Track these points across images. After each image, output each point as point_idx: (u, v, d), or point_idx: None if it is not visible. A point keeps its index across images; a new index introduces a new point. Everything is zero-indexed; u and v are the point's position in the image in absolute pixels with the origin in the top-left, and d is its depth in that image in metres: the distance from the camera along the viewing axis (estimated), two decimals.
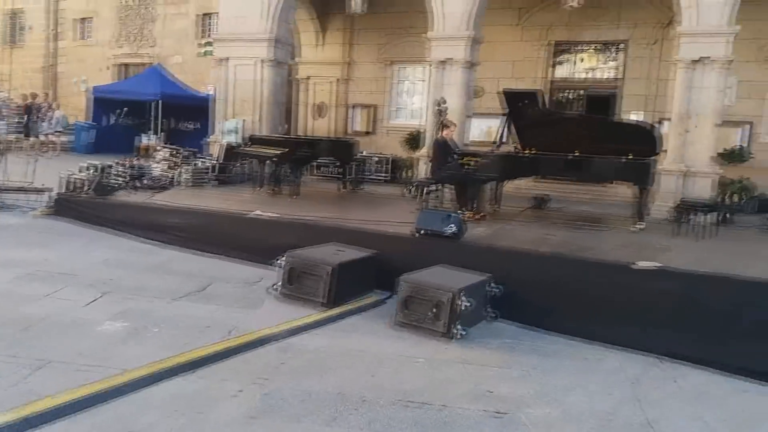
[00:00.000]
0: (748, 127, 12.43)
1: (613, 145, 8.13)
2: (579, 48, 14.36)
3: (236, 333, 4.49)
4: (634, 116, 13.03)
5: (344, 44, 16.47)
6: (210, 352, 4.05)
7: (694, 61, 9.86)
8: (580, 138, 8.24)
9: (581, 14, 13.74)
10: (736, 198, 11.37)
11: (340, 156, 11.58)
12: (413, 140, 15.12)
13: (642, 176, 7.90)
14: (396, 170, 15.05)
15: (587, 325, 5.18)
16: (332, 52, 16.64)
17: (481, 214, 8.20)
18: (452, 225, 6.19)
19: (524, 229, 7.65)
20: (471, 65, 11.66)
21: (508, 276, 5.49)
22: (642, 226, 8.05)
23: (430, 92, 11.84)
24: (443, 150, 8.83)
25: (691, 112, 9.90)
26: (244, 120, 13.02)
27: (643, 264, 5.53)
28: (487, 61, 14.17)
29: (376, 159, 15.01)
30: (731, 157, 12.04)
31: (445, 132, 9.03)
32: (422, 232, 6.30)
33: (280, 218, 7.50)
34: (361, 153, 15.16)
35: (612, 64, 14.12)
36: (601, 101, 13.99)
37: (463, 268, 5.48)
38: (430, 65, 11.94)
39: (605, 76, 14.12)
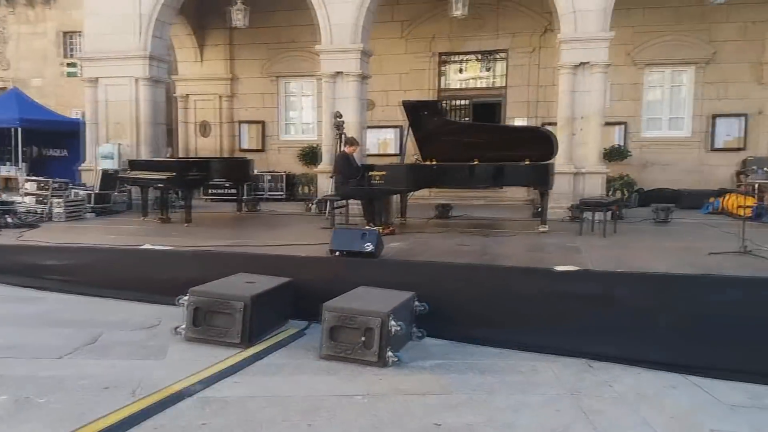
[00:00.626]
0: (623, 126, 13.25)
1: (510, 152, 8.24)
2: (463, 58, 14.65)
3: (142, 392, 3.86)
4: (519, 122, 13.49)
5: (226, 60, 15.75)
6: (114, 422, 3.41)
7: (576, 66, 10.29)
8: (479, 146, 8.28)
9: (462, 25, 14.09)
10: (619, 194, 12.06)
11: (235, 176, 10.90)
12: (309, 155, 14.71)
13: (543, 179, 8.04)
14: (292, 187, 14.60)
15: (516, 335, 5.06)
16: (213, 67, 15.85)
17: (390, 227, 7.97)
18: (369, 243, 5.87)
19: (437, 240, 7.50)
20: (363, 78, 11.49)
21: (432, 291, 5.26)
22: (545, 229, 8.19)
23: (324, 106, 11.51)
24: (347, 164, 8.54)
25: (576, 114, 10.32)
26: (119, 144, 11.95)
27: (562, 267, 5.52)
28: (376, 74, 14.12)
29: (269, 177, 14.48)
30: (612, 155, 12.75)
31: (349, 149, 8.75)
32: (339, 252, 5.93)
33: (176, 249, 6.81)
34: (252, 171, 14.60)
35: (495, 72, 14.54)
36: (487, 109, 14.39)
37: (385, 288, 5.17)
38: (321, 79, 11.64)
39: (490, 85, 14.52)
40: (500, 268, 5.65)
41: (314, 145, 14.59)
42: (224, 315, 4.91)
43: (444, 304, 5.21)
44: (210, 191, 13.62)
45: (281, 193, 14.41)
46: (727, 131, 12.89)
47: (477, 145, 8.27)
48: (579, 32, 10.24)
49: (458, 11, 11.51)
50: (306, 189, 14.28)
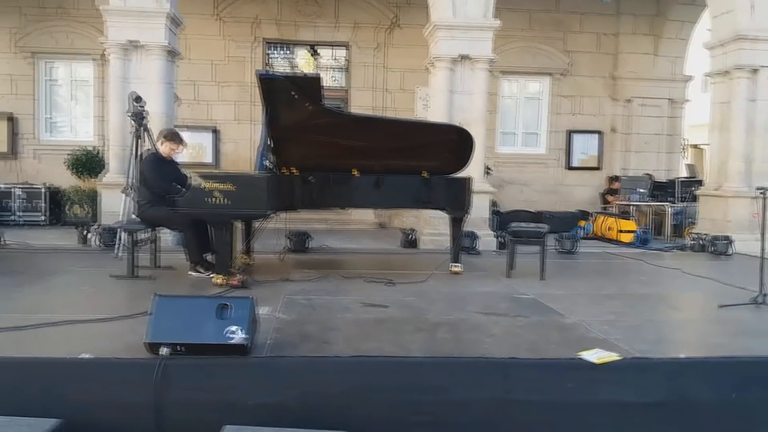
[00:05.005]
0: None
1: (405, 160, 5.77)
2: (293, 50, 11.93)
3: None
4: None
5: None
6: None
7: (455, 60, 8.24)
8: (364, 151, 5.65)
9: (293, 10, 11.47)
10: None
11: None
12: (84, 163, 10.64)
13: (460, 200, 5.69)
14: (58, 208, 10.42)
15: None
16: None
17: (239, 276, 4.92)
18: (237, 326, 2.87)
19: (322, 296, 4.64)
20: (171, 54, 8.18)
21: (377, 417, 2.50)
22: (459, 269, 5.83)
23: (111, 92, 7.92)
24: (157, 171, 5.30)
25: (455, 120, 8.16)
26: None
27: (593, 354, 3.13)
28: (181, 61, 10.79)
29: (22, 193, 10.17)
30: None
31: (165, 147, 5.51)
32: (169, 348, 2.82)
33: None
34: None
35: (336, 70, 12.06)
36: None
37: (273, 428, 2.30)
38: (105, 53, 8.07)
39: (329, 84, 11.96)
40: (513, 364, 3.05)
41: (92, 149, 10.64)
42: None
43: None
44: None
45: (40, 215, 10.17)
46: (583, 149, 12.01)
47: (360, 150, 5.63)
48: (459, 17, 8.21)
49: None
50: (78, 210, 10.27)
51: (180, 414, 2.72)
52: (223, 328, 2.87)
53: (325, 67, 11.89)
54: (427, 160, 5.82)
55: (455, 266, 5.84)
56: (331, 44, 11.80)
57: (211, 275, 5.04)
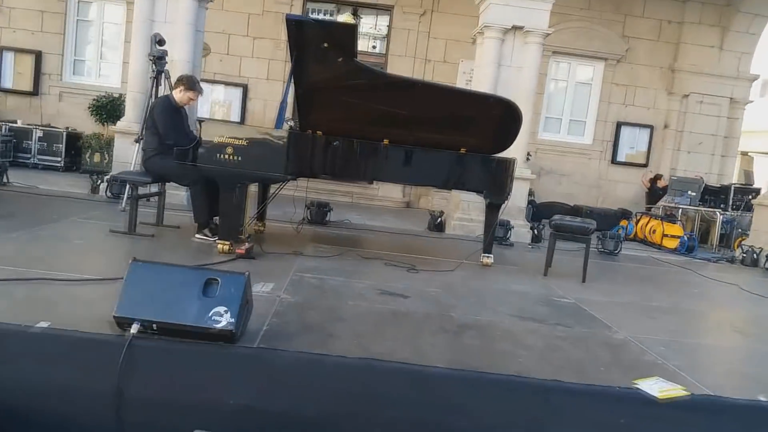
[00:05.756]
0: None
1: (441, 134, 5.15)
2: (334, 10, 11.28)
3: None
4: None
5: None
6: None
7: (506, 31, 7.55)
8: (396, 118, 5.05)
9: None
10: None
11: None
12: (107, 109, 10.27)
13: (499, 184, 5.06)
14: (77, 153, 10.06)
15: None
16: None
17: (245, 244, 4.40)
18: (224, 307, 2.35)
19: (335, 278, 4.10)
20: None
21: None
22: (490, 260, 5.24)
23: (134, 33, 7.42)
24: (169, 118, 4.80)
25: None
26: None
27: (654, 386, 2.55)
28: (213, 10, 10.26)
29: (41, 134, 9.82)
30: None
31: (180, 94, 4.99)
32: (137, 326, 2.31)
33: None
34: (14, 122, 9.91)
35: (375, 33, 11.39)
36: None
37: None
38: None
39: (367, 48, 11.31)
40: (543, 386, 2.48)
41: (116, 96, 10.23)
42: None
43: None
44: None
45: (58, 159, 9.81)
46: (631, 143, 11.20)
47: (394, 117, 5.03)
48: None
49: None
50: (98, 158, 9.88)
51: (145, 409, 2.23)
52: (208, 308, 2.35)
53: (366, 35, 11.23)
54: (466, 135, 5.19)
55: (487, 257, 5.24)
56: (375, 6, 11.11)
57: (219, 242, 4.54)
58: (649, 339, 3.38)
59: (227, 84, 11.01)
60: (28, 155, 9.77)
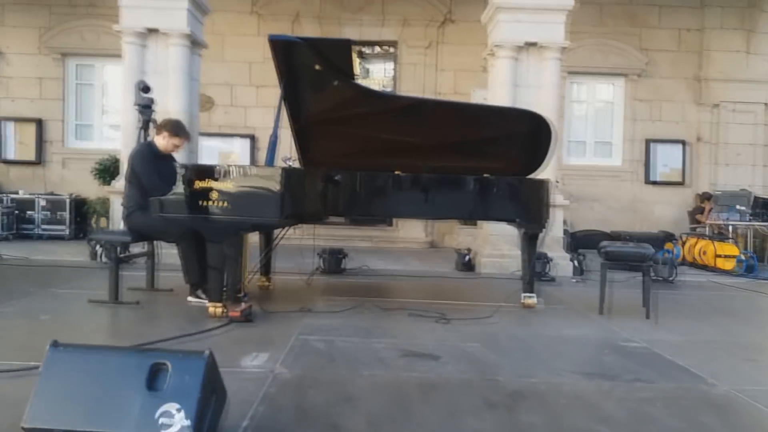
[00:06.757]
0: None
1: (466, 157, 4.49)
2: None
3: None
4: None
5: None
6: None
7: (519, 48, 6.96)
8: (410, 144, 4.40)
9: (336, 4, 10.41)
10: None
11: None
12: (110, 171, 9.81)
13: (535, 209, 4.34)
14: (83, 219, 9.61)
15: None
16: None
17: (243, 305, 3.70)
18: (176, 405, 1.64)
19: (349, 340, 3.35)
20: (194, 44, 7.18)
21: None
22: (535, 302, 4.46)
23: (124, 83, 6.97)
24: (155, 167, 4.20)
25: None
26: None
27: None
28: (216, 61, 9.95)
29: (44, 203, 9.39)
30: None
31: (165, 141, 4.40)
32: None
33: None
34: (16, 193, 9.54)
35: (383, 71, 10.94)
36: None
37: None
38: (122, 41, 7.11)
39: (378, 87, 10.82)
40: None
41: (119, 157, 9.79)
42: None
43: None
44: None
45: (63, 228, 9.34)
46: (664, 161, 10.42)
47: (405, 145, 4.39)
48: None
49: None
50: (104, 222, 9.37)
51: None
52: (154, 407, 1.64)
53: (373, 66, 10.81)
54: (488, 158, 4.54)
55: (529, 297, 4.47)
56: (378, 43, 10.68)
57: (210, 305, 3.85)
58: (759, 391, 2.58)
59: (234, 135, 10.56)
60: (32, 225, 9.33)
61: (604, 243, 4.35)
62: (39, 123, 10.54)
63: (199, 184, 3.58)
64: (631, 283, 5.78)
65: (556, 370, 2.83)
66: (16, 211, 9.21)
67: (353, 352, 3.03)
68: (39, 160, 10.56)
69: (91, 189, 9.96)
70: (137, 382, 1.68)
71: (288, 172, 3.70)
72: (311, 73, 3.83)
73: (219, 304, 3.73)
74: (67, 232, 9.28)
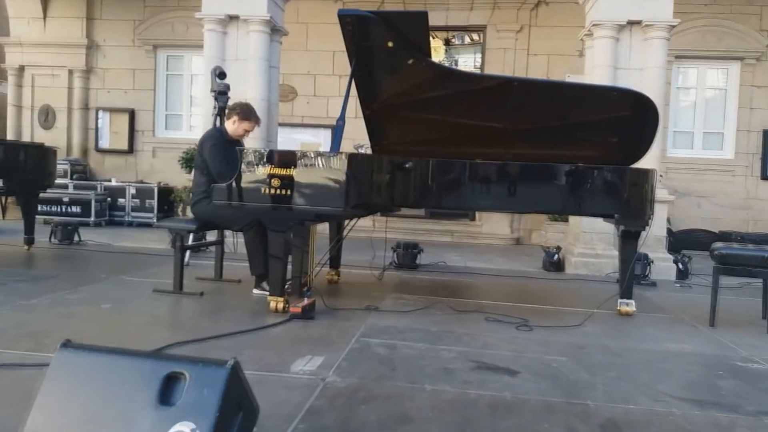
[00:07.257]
0: None
1: (556, 145, 4.01)
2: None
3: None
4: None
5: (81, 18, 10.85)
6: None
7: (621, 28, 6.31)
8: (493, 130, 3.98)
9: None
10: None
11: (18, 178, 5.84)
12: (193, 159, 10.04)
13: (637, 203, 3.80)
14: (170, 207, 9.85)
15: None
16: (63, 29, 10.90)
17: (306, 300, 3.45)
18: (191, 424, 1.37)
19: (416, 346, 3.01)
20: (273, 30, 7.05)
21: None
22: (631, 307, 3.93)
23: (205, 70, 6.96)
24: (225, 153, 4.03)
25: None
26: None
27: None
28: (299, 51, 9.89)
29: (134, 191, 9.71)
30: None
31: (236, 126, 4.25)
32: None
33: None
34: (109, 181, 9.92)
35: (468, 56, 10.48)
36: None
37: None
38: (203, 29, 7.10)
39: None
40: None
41: None
42: None
43: None
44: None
45: (151, 215, 9.62)
46: None
47: (488, 131, 3.97)
48: None
49: None
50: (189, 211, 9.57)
51: None
52: (165, 425, 1.38)
53: (458, 52, 10.36)
54: (581, 145, 4.04)
55: (626, 304, 3.93)
56: (465, 28, 10.21)
57: (271, 299, 3.63)
58: None
59: (316, 126, 10.47)
60: (123, 213, 9.69)
61: (717, 244, 3.74)
62: (131, 113, 10.91)
63: (259, 171, 3.35)
64: (746, 290, 5.08)
65: (659, 395, 2.35)
66: (109, 199, 9.57)
67: (417, 360, 2.68)
68: (131, 150, 10.94)
69: (178, 178, 10.17)
70: (148, 395, 1.42)
71: (354, 159, 3.40)
72: (383, 51, 3.50)
73: (280, 298, 3.49)
74: (155, 220, 9.51)
